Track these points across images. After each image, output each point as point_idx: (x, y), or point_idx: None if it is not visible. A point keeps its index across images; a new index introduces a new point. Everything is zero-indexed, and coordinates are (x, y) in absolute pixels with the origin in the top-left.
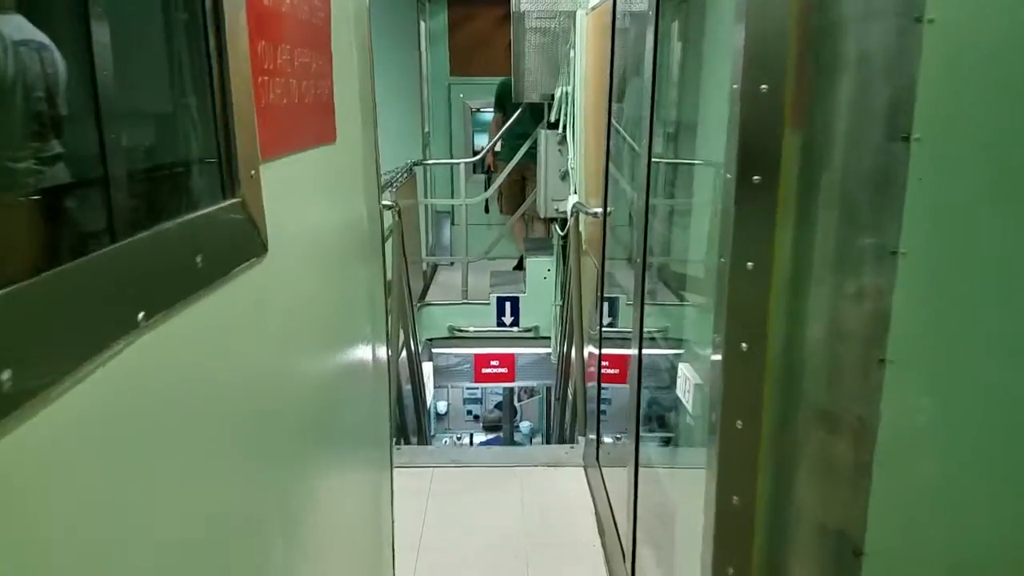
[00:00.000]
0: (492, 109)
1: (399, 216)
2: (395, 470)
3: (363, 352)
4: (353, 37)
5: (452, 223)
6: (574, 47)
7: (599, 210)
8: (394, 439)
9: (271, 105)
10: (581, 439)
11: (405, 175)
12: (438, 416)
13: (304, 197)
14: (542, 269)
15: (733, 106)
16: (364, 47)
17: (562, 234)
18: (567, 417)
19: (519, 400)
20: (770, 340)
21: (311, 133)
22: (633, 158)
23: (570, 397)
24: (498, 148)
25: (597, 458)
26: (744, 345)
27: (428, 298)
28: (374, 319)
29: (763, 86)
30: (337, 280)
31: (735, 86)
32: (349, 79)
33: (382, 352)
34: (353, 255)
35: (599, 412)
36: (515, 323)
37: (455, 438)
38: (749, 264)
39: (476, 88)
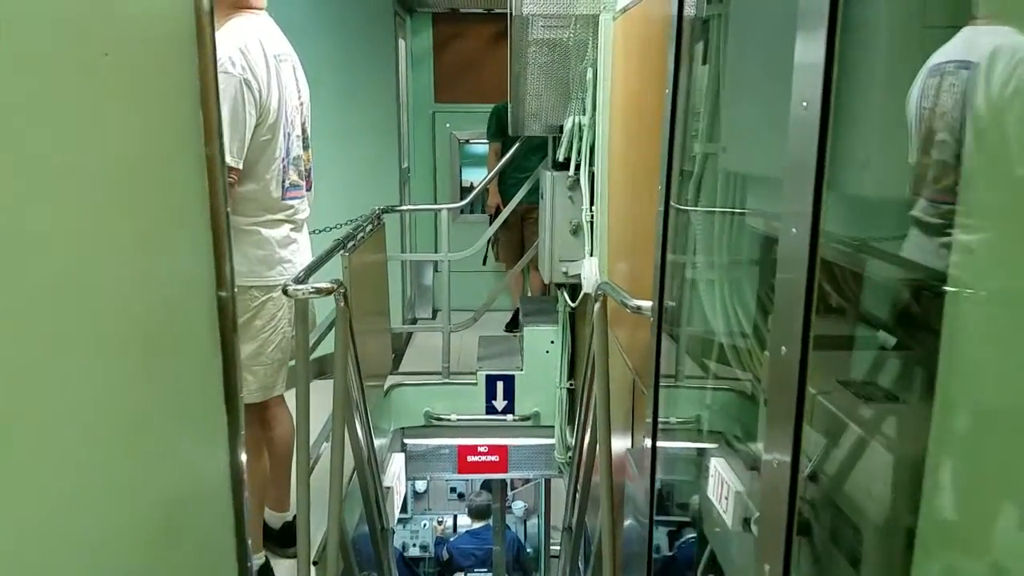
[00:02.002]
0: (486, 139)
1: (345, 300)
2: None
3: (162, 482)
4: None
5: (435, 270)
6: (594, 64)
7: (646, 304)
8: None
9: None
10: None
11: (371, 227)
12: (416, 495)
13: None
14: (544, 341)
15: None
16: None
17: (572, 305)
18: (580, 549)
19: (512, 488)
20: None
21: None
22: (720, 224)
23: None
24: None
25: None
26: None
27: (403, 366)
28: (191, 429)
29: None
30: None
31: None
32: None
33: (218, 466)
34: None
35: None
36: (509, 409)
37: (436, 521)
38: None
39: (466, 117)
